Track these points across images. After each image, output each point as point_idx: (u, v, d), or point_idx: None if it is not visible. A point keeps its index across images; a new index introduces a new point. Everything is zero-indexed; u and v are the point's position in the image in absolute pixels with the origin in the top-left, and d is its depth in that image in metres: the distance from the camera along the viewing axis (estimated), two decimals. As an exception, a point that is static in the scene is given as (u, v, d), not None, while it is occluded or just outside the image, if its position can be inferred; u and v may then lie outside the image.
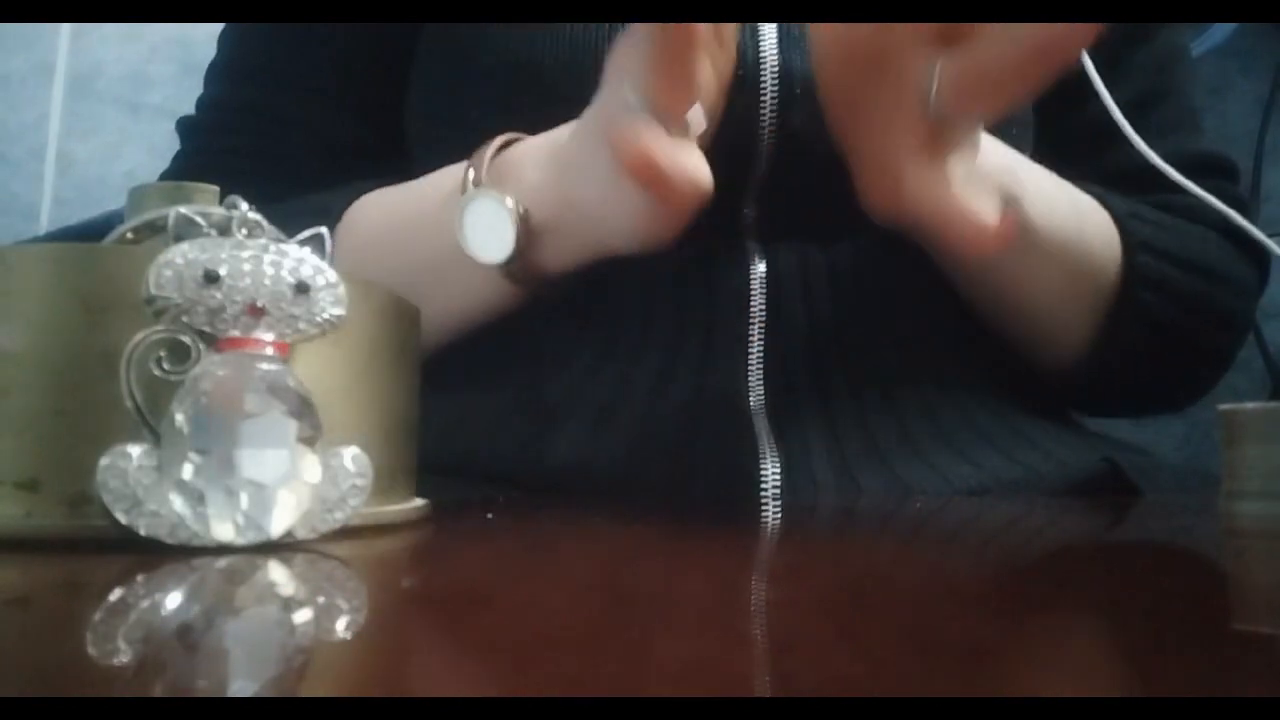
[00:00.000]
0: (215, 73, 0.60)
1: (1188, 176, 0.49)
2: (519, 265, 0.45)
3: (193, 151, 0.59)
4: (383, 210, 0.52)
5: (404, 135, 0.57)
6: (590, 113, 0.42)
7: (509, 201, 0.44)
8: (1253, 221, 0.53)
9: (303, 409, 0.24)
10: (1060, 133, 0.58)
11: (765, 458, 0.45)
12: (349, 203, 0.52)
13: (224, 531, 0.23)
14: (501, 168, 0.45)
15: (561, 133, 0.45)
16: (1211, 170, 0.60)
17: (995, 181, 0.45)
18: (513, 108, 0.50)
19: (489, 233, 0.44)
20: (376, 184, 0.54)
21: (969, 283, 0.51)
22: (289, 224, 0.28)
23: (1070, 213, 0.51)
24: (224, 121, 0.59)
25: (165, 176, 0.59)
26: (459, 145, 0.52)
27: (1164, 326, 0.54)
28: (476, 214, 0.44)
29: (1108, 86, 0.49)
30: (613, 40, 0.49)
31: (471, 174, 0.45)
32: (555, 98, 0.49)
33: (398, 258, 0.49)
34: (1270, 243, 0.47)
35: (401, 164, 0.57)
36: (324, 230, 0.27)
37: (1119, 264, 0.53)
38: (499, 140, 0.46)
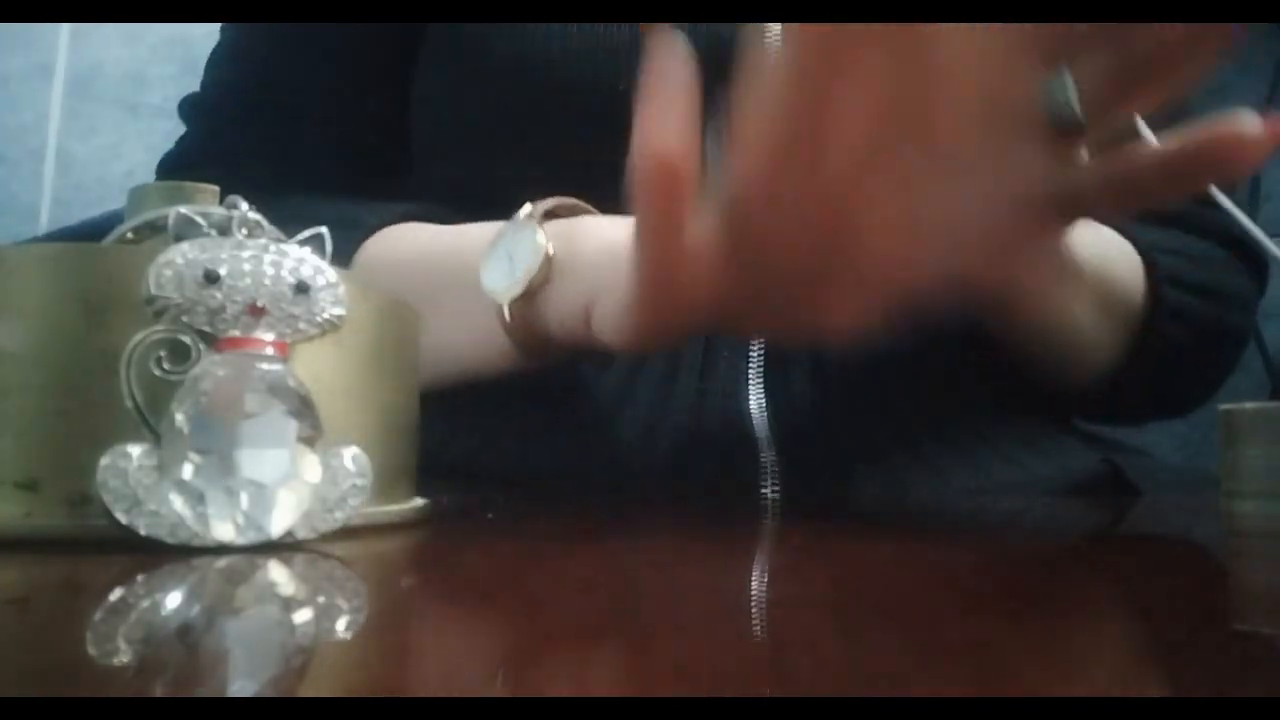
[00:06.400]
0: (221, 57, 0.60)
1: None
2: (518, 313, 0.42)
3: (199, 135, 0.59)
4: (400, 249, 0.50)
5: (410, 129, 0.57)
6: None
7: (541, 237, 0.41)
8: (1252, 220, 0.53)
9: (303, 409, 0.24)
10: None
11: (765, 460, 0.45)
12: (382, 221, 0.51)
13: (224, 531, 0.23)
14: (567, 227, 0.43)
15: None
16: None
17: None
18: (517, 103, 0.50)
19: (508, 267, 0.42)
20: (408, 208, 0.52)
21: (1010, 322, 0.50)
22: (314, 225, 0.27)
23: (1100, 248, 0.51)
24: (231, 106, 0.58)
25: (169, 160, 0.58)
26: (463, 140, 0.52)
27: (1181, 350, 0.54)
28: (509, 242, 0.43)
29: None
30: (615, 37, 0.49)
31: (528, 208, 0.43)
32: (560, 94, 0.49)
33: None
34: (1273, 247, 0.47)
35: (407, 157, 0.57)
36: (324, 230, 0.27)
37: (1143, 294, 0.53)
38: (553, 201, 0.44)
